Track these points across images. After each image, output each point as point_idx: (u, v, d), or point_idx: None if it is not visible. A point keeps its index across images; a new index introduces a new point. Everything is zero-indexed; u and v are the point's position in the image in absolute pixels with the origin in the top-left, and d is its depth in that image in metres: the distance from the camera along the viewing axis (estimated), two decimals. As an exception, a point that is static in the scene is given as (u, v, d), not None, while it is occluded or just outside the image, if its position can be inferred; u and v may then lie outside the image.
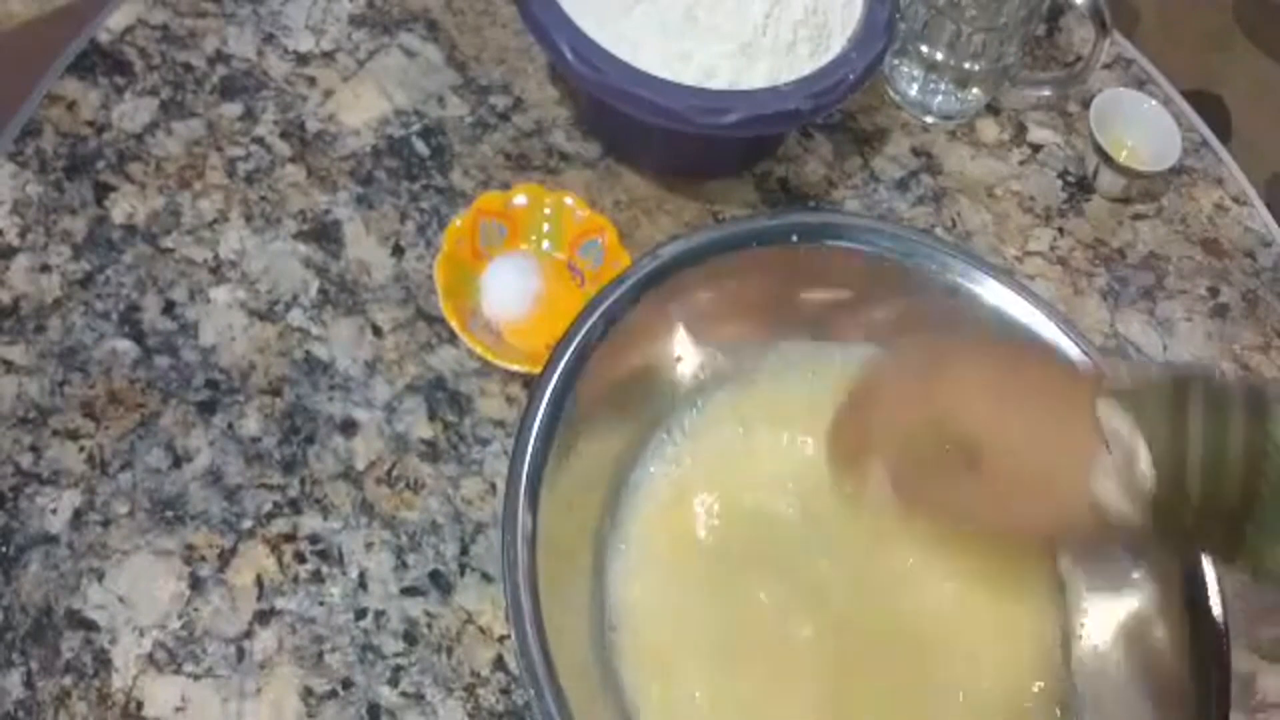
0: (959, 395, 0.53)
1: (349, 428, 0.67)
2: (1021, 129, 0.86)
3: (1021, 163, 0.84)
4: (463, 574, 0.63)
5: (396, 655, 0.61)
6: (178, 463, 0.65)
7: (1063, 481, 0.49)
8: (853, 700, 0.58)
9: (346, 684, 0.60)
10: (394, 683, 0.60)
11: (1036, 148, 0.85)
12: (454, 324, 0.67)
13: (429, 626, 0.62)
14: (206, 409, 0.66)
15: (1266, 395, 0.46)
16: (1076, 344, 0.62)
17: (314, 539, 0.63)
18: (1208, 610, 0.55)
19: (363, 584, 0.63)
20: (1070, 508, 0.49)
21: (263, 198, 0.74)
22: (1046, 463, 0.50)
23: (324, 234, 0.73)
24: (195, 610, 0.61)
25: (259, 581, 0.62)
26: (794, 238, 0.63)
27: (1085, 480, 0.48)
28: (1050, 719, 0.58)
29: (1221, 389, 0.47)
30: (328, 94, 0.79)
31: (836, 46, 0.72)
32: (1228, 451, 0.45)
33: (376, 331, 0.70)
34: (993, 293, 0.63)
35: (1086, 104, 0.83)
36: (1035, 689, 0.58)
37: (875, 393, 0.57)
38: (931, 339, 0.58)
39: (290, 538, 0.63)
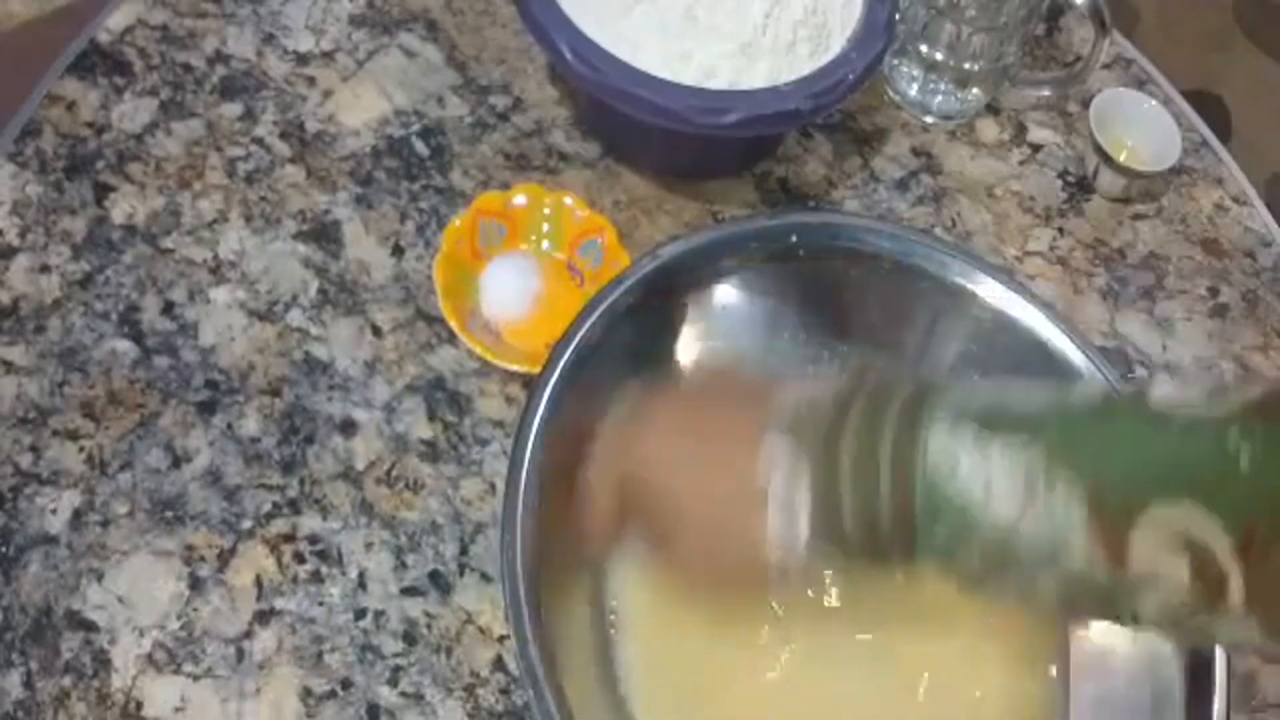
0: (645, 443, 0.52)
1: (349, 428, 0.67)
2: (1021, 129, 0.86)
3: (1021, 163, 0.84)
4: (462, 574, 0.63)
5: (396, 655, 0.61)
6: (177, 463, 0.65)
7: (732, 525, 0.48)
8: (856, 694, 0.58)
9: (346, 684, 0.60)
10: (393, 683, 0.60)
11: (1036, 148, 0.85)
12: (453, 324, 0.67)
13: (429, 627, 0.62)
14: (206, 409, 0.66)
15: (920, 404, 0.45)
16: (1076, 344, 0.62)
17: (314, 539, 0.63)
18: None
19: (362, 584, 0.63)
20: (746, 554, 0.48)
21: (262, 198, 0.74)
22: (713, 508, 0.49)
23: (324, 234, 0.73)
24: (195, 610, 0.61)
25: (258, 582, 0.62)
26: (793, 238, 0.63)
27: (752, 521, 0.47)
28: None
29: (880, 396, 0.46)
30: (327, 94, 0.79)
31: (836, 46, 0.72)
32: (878, 471, 0.44)
33: (376, 331, 0.70)
34: (993, 293, 0.63)
35: (1086, 104, 0.83)
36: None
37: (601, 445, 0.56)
38: (646, 384, 0.56)
39: (290, 538, 0.63)
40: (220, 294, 0.70)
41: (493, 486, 0.66)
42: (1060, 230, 0.81)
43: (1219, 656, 0.53)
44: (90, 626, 0.60)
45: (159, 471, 0.64)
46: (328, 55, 0.80)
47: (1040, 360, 0.62)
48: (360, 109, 0.78)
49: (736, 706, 0.58)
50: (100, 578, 0.61)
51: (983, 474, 0.43)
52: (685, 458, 0.50)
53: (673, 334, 0.62)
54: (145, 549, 0.62)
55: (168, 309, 0.69)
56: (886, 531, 0.45)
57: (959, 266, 0.64)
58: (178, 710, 0.58)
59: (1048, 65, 0.90)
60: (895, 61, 0.84)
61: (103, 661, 0.59)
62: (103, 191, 0.73)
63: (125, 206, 0.72)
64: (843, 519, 0.45)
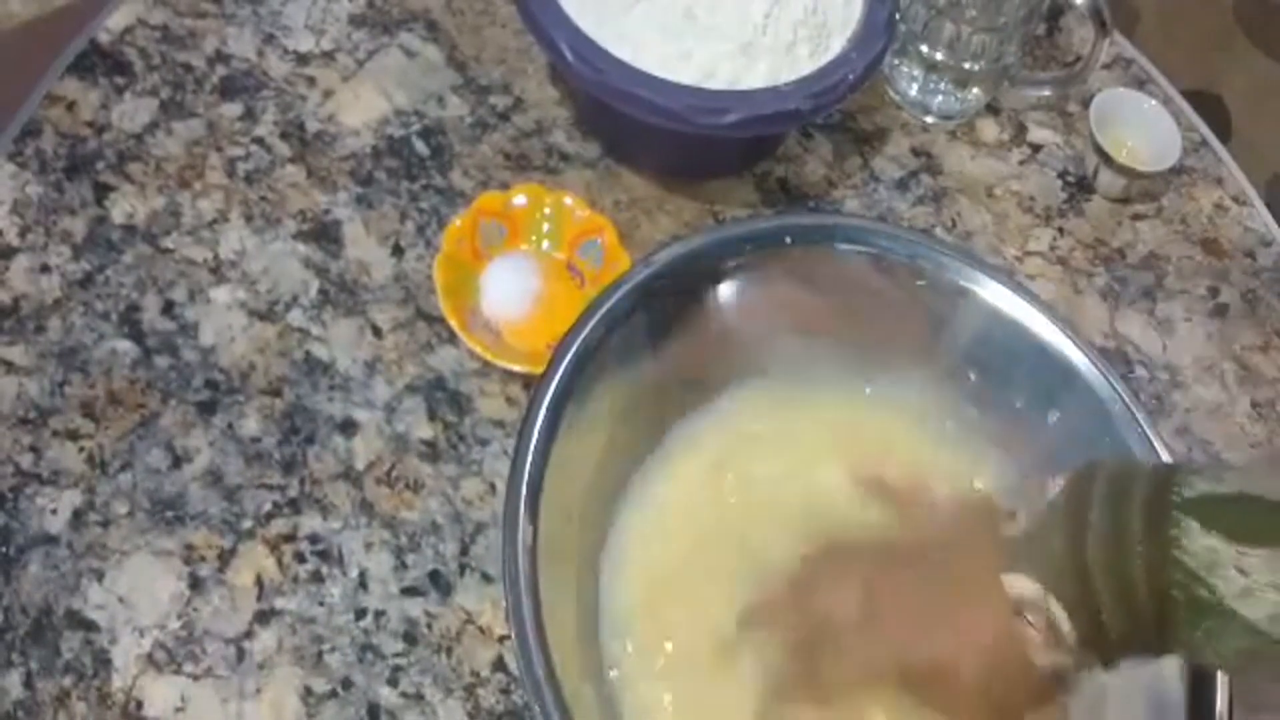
0: (892, 631, 0.52)
1: (349, 428, 0.67)
2: (1021, 129, 0.86)
3: (1021, 163, 0.84)
4: (462, 574, 0.63)
5: (396, 655, 0.61)
6: (178, 463, 0.65)
7: (1004, 664, 0.49)
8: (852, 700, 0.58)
9: (346, 684, 0.60)
10: (394, 683, 0.60)
11: (1036, 148, 0.85)
12: (454, 324, 0.67)
13: (429, 626, 0.62)
14: (206, 409, 0.66)
15: (1166, 500, 0.45)
16: (1076, 344, 0.62)
17: (314, 539, 0.63)
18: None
19: (363, 584, 0.63)
20: (1028, 681, 0.49)
21: (263, 198, 0.74)
22: (981, 656, 0.49)
23: (324, 234, 0.73)
24: (195, 610, 0.61)
25: (259, 581, 0.62)
26: (788, 239, 0.63)
27: (1020, 653, 0.48)
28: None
29: (1117, 499, 0.46)
30: (328, 94, 0.79)
31: (836, 46, 0.72)
32: (1133, 577, 0.45)
33: (376, 331, 0.70)
34: (993, 293, 0.63)
35: (1086, 104, 0.83)
36: None
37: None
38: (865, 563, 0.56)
39: (290, 538, 0.63)
40: (220, 294, 0.70)
41: (493, 486, 0.66)
42: (1060, 230, 0.81)
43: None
44: (90, 626, 0.60)
45: (159, 471, 0.64)
46: (328, 55, 0.80)
47: (1040, 360, 0.62)
48: (360, 109, 0.78)
49: (736, 708, 0.58)
50: (100, 577, 0.61)
51: (1241, 575, 0.43)
52: (936, 627, 0.51)
53: (673, 335, 0.62)
54: (145, 549, 0.62)
55: (168, 309, 0.69)
56: (1146, 628, 0.45)
57: (959, 267, 0.64)
58: (178, 710, 0.58)
59: (1048, 65, 0.90)
60: (895, 61, 0.84)
61: (103, 661, 0.59)
62: (103, 191, 0.73)
63: (125, 206, 0.72)
64: (1103, 623, 0.46)
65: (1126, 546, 0.45)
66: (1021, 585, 0.47)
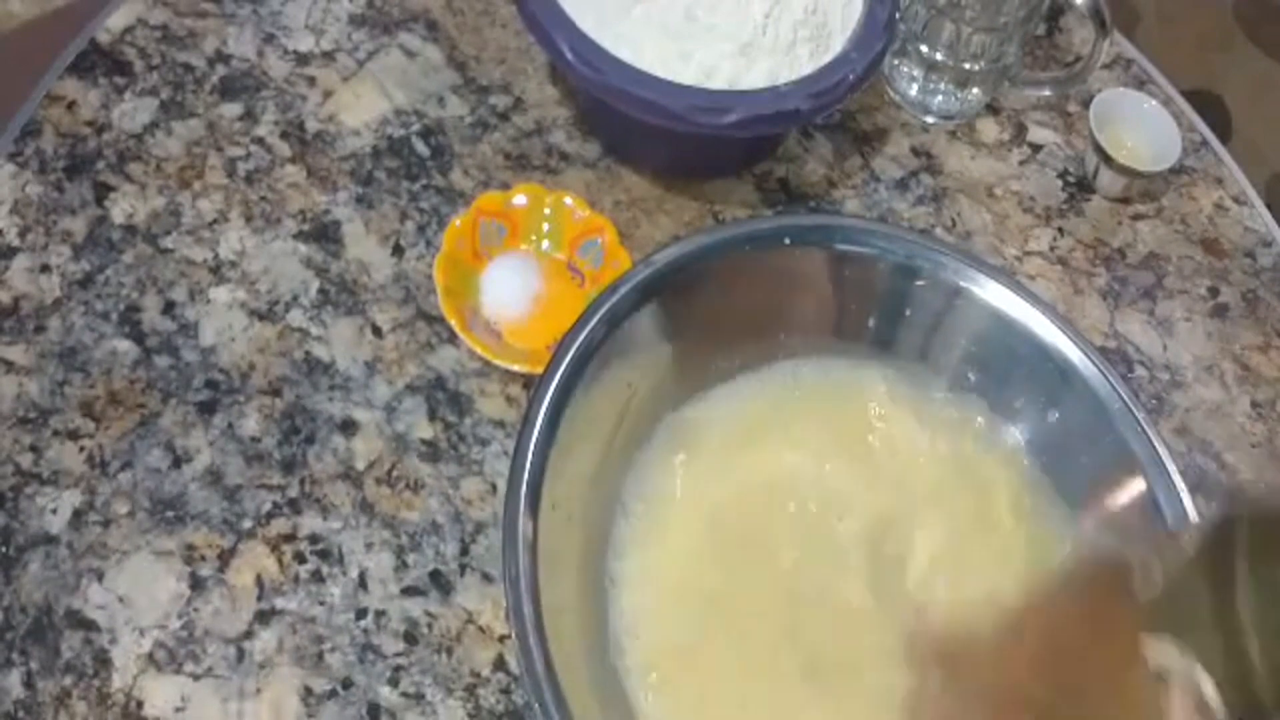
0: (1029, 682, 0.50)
1: (349, 428, 0.67)
2: (1021, 129, 0.86)
3: (1021, 163, 0.84)
4: (463, 574, 0.63)
5: (396, 655, 0.61)
6: (178, 463, 0.65)
7: None
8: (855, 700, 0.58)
9: (346, 684, 0.60)
10: (394, 683, 0.60)
11: (1036, 148, 0.85)
12: (454, 324, 0.67)
13: (429, 626, 0.62)
14: (206, 409, 0.66)
15: None
16: (1076, 344, 0.62)
17: (314, 539, 0.63)
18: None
19: (363, 584, 0.63)
20: None
21: (263, 198, 0.74)
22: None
23: (324, 234, 0.73)
24: (195, 610, 0.61)
25: (259, 581, 0.62)
26: (788, 239, 0.63)
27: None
28: None
29: (1269, 556, 0.42)
30: (328, 94, 0.79)
31: (836, 46, 0.72)
32: None
33: (376, 331, 0.70)
34: (993, 293, 0.63)
35: (1086, 104, 0.83)
36: None
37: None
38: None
39: (290, 538, 0.63)
40: (220, 294, 0.70)
41: (493, 486, 0.66)
42: (1060, 230, 0.81)
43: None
44: (91, 626, 0.60)
45: (159, 471, 0.64)
46: (328, 55, 0.80)
47: (1040, 360, 0.63)
48: (360, 109, 0.78)
49: (736, 708, 0.58)
50: (101, 577, 0.61)
51: None
52: (1076, 697, 0.48)
53: (673, 334, 0.62)
54: (146, 549, 0.62)
55: (168, 309, 0.69)
56: None
57: (959, 267, 0.64)
58: (178, 710, 0.58)
59: (1048, 65, 0.90)
60: (895, 61, 0.84)
61: (103, 661, 0.59)
62: (103, 191, 0.73)
63: (125, 206, 0.72)
64: (1254, 692, 0.42)
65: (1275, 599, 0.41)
66: (1163, 653, 0.44)
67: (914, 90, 0.84)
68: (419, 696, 0.60)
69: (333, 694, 0.59)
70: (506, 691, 0.61)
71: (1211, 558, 0.44)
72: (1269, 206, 0.85)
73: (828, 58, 0.72)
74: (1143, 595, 0.46)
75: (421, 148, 0.78)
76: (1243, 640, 0.42)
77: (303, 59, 0.80)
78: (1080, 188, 0.84)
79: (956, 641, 0.54)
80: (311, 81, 0.79)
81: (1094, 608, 0.49)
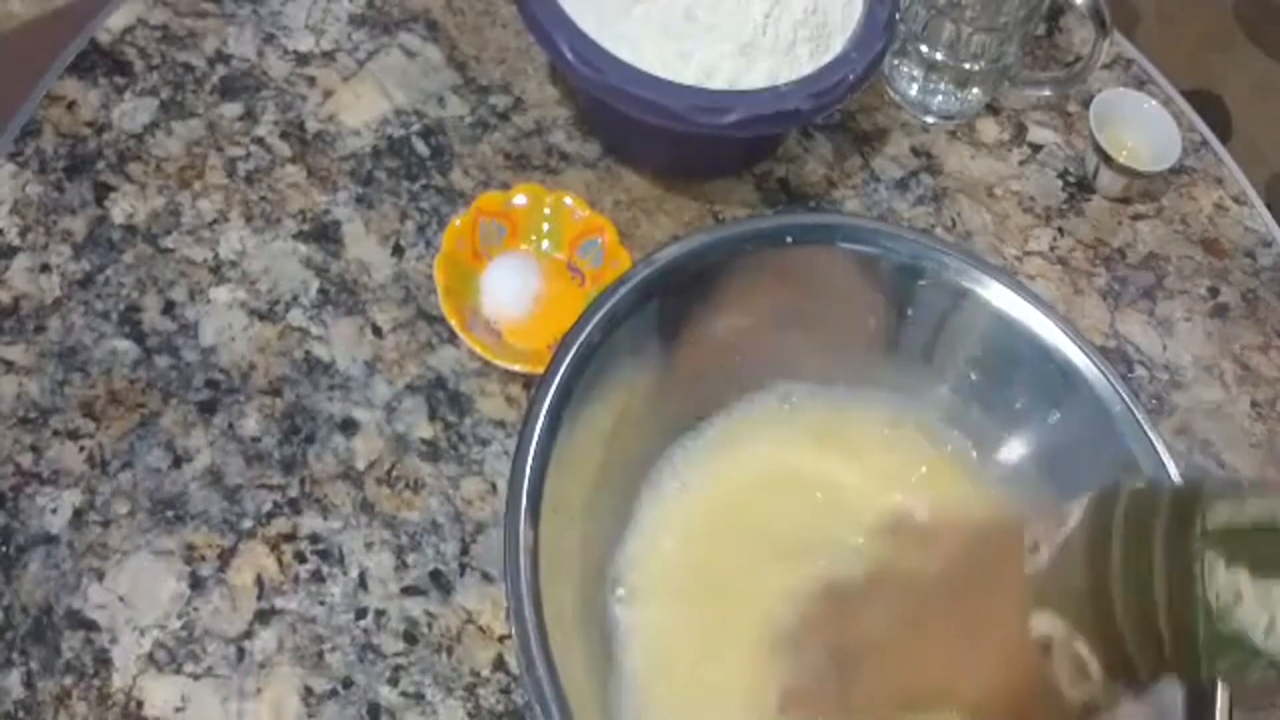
0: (918, 653, 0.52)
1: (349, 428, 0.67)
2: (1021, 129, 0.86)
3: (1021, 163, 0.84)
4: (463, 574, 0.63)
5: (396, 655, 0.61)
6: (178, 463, 0.65)
7: (1031, 702, 0.48)
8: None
9: (346, 684, 0.60)
10: (394, 682, 0.60)
11: (1036, 148, 0.85)
12: (454, 324, 0.67)
13: (429, 626, 0.62)
14: (206, 409, 0.66)
15: (1187, 533, 0.44)
16: (1076, 344, 0.62)
17: (314, 539, 0.63)
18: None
19: (363, 584, 0.63)
20: (1053, 713, 0.48)
21: (263, 198, 0.74)
22: (1007, 695, 0.49)
23: (324, 234, 0.73)
24: (195, 610, 0.61)
25: (259, 581, 0.62)
26: (788, 239, 0.63)
27: (1048, 689, 0.47)
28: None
29: (1139, 537, 0.45)
30: (328, 94, 0.79)
31: (836, 46, 0.72)
32: (1156, 613, 0.44)
33: (376, 331, 0.70)
34: (993, 293, 0.63)
35: (1086, 104, 0.83)
36: None
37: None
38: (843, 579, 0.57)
39: (290, 538, 0.63)
40: (220, 294, 0.70)
41: (493, 486, 0.66)
42: (1060, 230, 0.81)
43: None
44: (91, 626, 0.60)
45: (159, 471, 0.64)
46: (328, 55, 0.80)
47: (1040, 360, 0.63)
48: (360, 109, 0.78)
49: (736, 708, 0.58)
50: (101, 577, 0.61)
51: (1266, 611, 0.42)
52: (962, 663, 0.50)
53: (674, 334, 0.62)
54: (146, 548, 0.62)
55: (168, 309, 0.69)
56: (1170, 659, 0.45)
57: (959, 267, 0.64)
58: (178, 710, 0.58)
59: (1048, 65, 0.90)
60: (895, 61, 0.84)
61: (103, 661, 0.59)
62: (103, 191, 0.73)
63: (125, 206, 0.72)
64: (1129, 656, 0.45)
65: (1149, 582, 0.44)
66: (1047, 624, 0.47)
67: (914, 90, 0.84)
68: (419, 696, 0.60)
69: (333, 694, 0.59)
70: (506, 691, 0.61)
71: (1091, 535, 0.46)
72: (1269, 206, 0.85)
73: (828, 58, 0.72)
74: (1030, 566, 0.48)
75: (421, 148, 0.78)
76: (1115, 615, 0.45)
77: (303, 59, 0.80)
78: (1080, 188, 0.84)
79: (865, 577, 0.57)
80: (311, 81, 0.79)
81: (987, 577, 0.51)
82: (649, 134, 0.71)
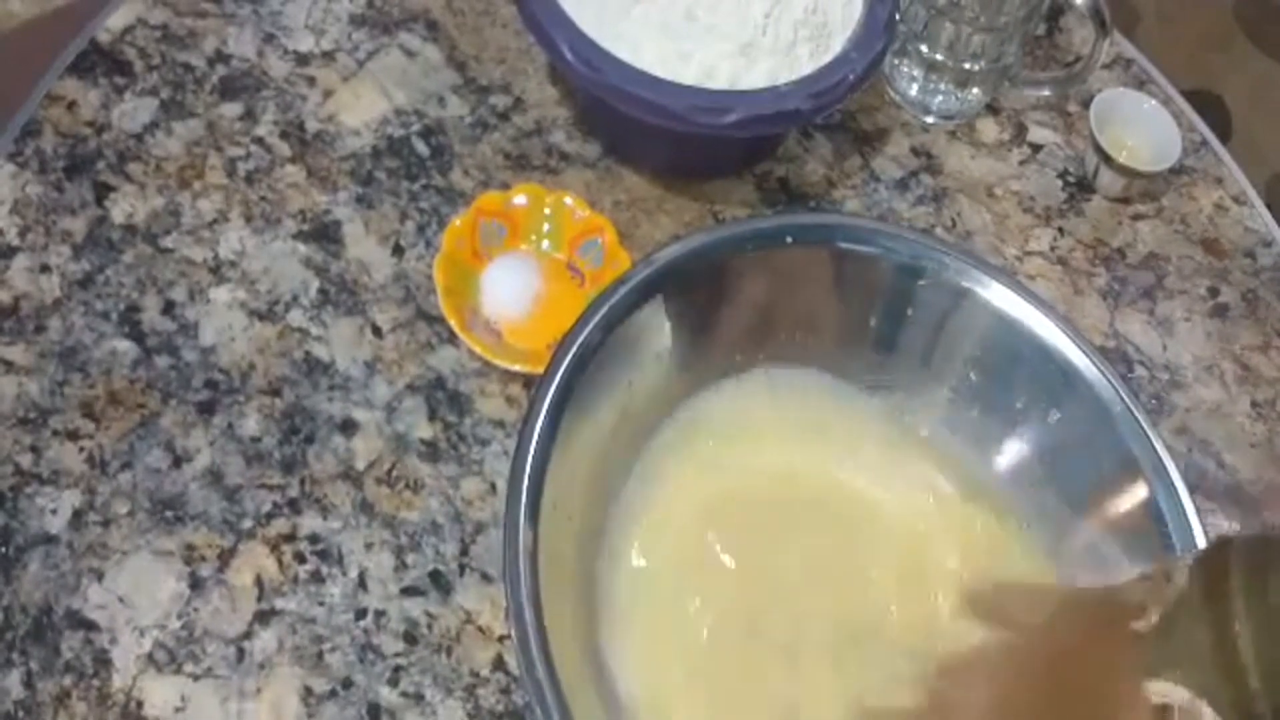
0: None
1: (349, 428, 0.67)
2: (1021, 129, 0.86)
3: (1021, 163, 0.84)
4: (463, 574, 0.63)
5: (396, 655, 0.61)
6: (178, 463, 0.65)
7: None
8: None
9: (346, 684, 0.60)
10: (394, 683, 0.60)
11: (1036, 148, 0.85)
12: (454, 324, 0.67)
13: (429, 626, 0.62)
14: (206, 409, 0.66)
15: None
16: (1076, 344, 0.62)
17: (314, 539, 0.63)
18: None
19: (363, 584, 0.63)
20: None
21: (263, 198, 0.74)
22: None
23: (324, 234, 0.73)
24: (195, 610, 0.61)
25: (259, 581, 0.62)
26: (788, 239, 0.63)
27: None
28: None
29: (1266, 591, 0.41)
30: (328, 94, 0.79)
31: (836, 46, 0.72)
32: None
33: (376, 331, 0.70)
34: (993, 293, 0.63)
35: (1086, 104, 0.83)
36: None
37: None
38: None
39: (290, 538, 0.63)
40: (220, 294, 0.70)
41: (493, 486, 0.66)
42: (1060, 230, 0.81)
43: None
44: (91, 626, 0.60)
45: (159, 471, 0.64)
46: (328, 55, 0.80)
47: (1040, 360, 0.62)
48: (360, 109, 0.78)
49: (736, 708, 0.58)
50: (100, 577, 0.61)
51: None
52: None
53: (674, 334, 0.62)
54: (145, 549, 0.62)
55: (168, 309, 0.69)
56: None
57: (960, 266, 0.64)
58: (178, 710, 0.58)
59: (1048, 65, 0.90)
60: (895, 61, 0.84)
61: (103, 661, 0.59)
62: (103, 191, 0.73)
63: (125, 206, 0.72)
64: (1260, 718, 0.42)
65: (1275, 631, 0.41)
66: (1167, 692, 0.43)
67: (914, 90, 0.84)
68: (419, 696, 0.60)
69: (333, 694, 0.59)
70: (506, 691, 0.61)
71: (1206, 590, 0.43)
72: (1269, 206, 0.85)
73: (828, 58, 0.72)
74: (1139, 633, 0.45)
75: (421, 148, 0.78)
76: (1244, 673, 0.41)
77: (303, 59, 0.80)
78: (1080, 188, 0.84)
79: (961, 659, 0.54)
80: (311, 81, 0.79)
81: (1093, 644, 0.49)
82: (649, 134, 0.71)
